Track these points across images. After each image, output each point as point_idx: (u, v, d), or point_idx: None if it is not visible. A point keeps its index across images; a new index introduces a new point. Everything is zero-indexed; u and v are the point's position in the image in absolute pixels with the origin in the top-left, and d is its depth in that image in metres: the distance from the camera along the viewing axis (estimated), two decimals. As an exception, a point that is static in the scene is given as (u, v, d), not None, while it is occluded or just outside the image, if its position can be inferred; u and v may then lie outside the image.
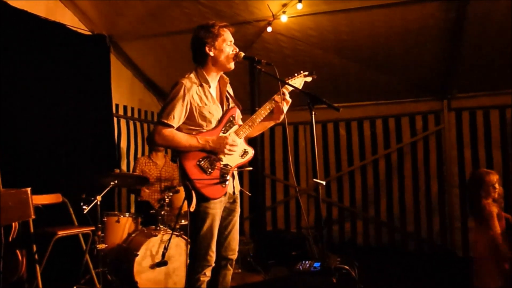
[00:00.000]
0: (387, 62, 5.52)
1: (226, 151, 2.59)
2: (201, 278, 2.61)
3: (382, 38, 5.11)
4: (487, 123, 5.78)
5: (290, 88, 2.73)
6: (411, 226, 6.12)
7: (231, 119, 2.73)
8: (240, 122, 2.79)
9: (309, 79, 2.90)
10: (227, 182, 2.61)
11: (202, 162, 2.58)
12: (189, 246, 2.82)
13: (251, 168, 2.96)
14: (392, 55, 5.38)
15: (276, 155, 6.88)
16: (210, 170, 2.58)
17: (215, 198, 2.58)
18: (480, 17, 4.61)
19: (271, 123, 2.85)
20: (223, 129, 2.68)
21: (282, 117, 2.76)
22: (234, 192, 2.75)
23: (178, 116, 2.59)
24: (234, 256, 2.79)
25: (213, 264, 2.64)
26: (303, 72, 2.89)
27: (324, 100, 2.45)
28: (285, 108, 2.75)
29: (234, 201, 2.78)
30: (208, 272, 2.63)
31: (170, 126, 2.58)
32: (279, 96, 2.71)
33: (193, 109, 2.63)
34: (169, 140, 2.58)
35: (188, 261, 2.70)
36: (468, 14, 4.59)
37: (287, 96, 2.74)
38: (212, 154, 2.61)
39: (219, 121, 2.69)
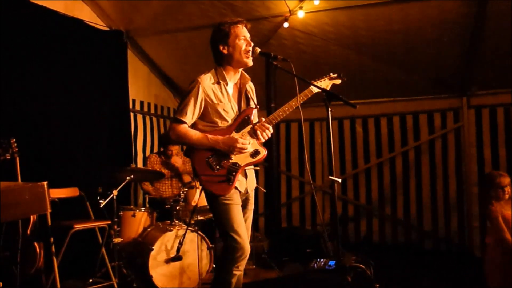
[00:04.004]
0: (405, 58, 5.43)
1: (236, 151, 2.61)
2: (234, 272, 2.58)
3: (400, 34, 5.03)
4: (508, 121, 5.65)
5: (316, 89, 2.69)
6: (428, 225, 6.04)
7: (246, 118, 2.71)
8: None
9: (338, 81, 2.88)
10: (231, 182, 2.60)
11: (211, 158, 2.61)
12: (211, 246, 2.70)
13: (258, 168, 2.94)
14: (410, 51, 5.28)
15: (291, 152, 6.84)
16: (218, 167, 2.60)
17: (221, 194, 2.58)
18: (501, 13, 4.49)
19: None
20: (236, 128, 2.67)
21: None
22: (247, 191, 2.74)
23: (191, 112, 2.63)
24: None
25: (247, 255, 2.59)
26: (332, 74, 2.86)
27: (341, 96, 2.42)
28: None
29: (247, 199, 2.78)
30: (241, 266, 2.61)
31: (183, 123, 2.63)
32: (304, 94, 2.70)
33: (208, 106, 2.65)
34: (182, 137, 2.64)
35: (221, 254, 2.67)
36: (488, 9, 4.48)
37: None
38: (221, 152, 2.61)
39: (234, 120, 2.69)
